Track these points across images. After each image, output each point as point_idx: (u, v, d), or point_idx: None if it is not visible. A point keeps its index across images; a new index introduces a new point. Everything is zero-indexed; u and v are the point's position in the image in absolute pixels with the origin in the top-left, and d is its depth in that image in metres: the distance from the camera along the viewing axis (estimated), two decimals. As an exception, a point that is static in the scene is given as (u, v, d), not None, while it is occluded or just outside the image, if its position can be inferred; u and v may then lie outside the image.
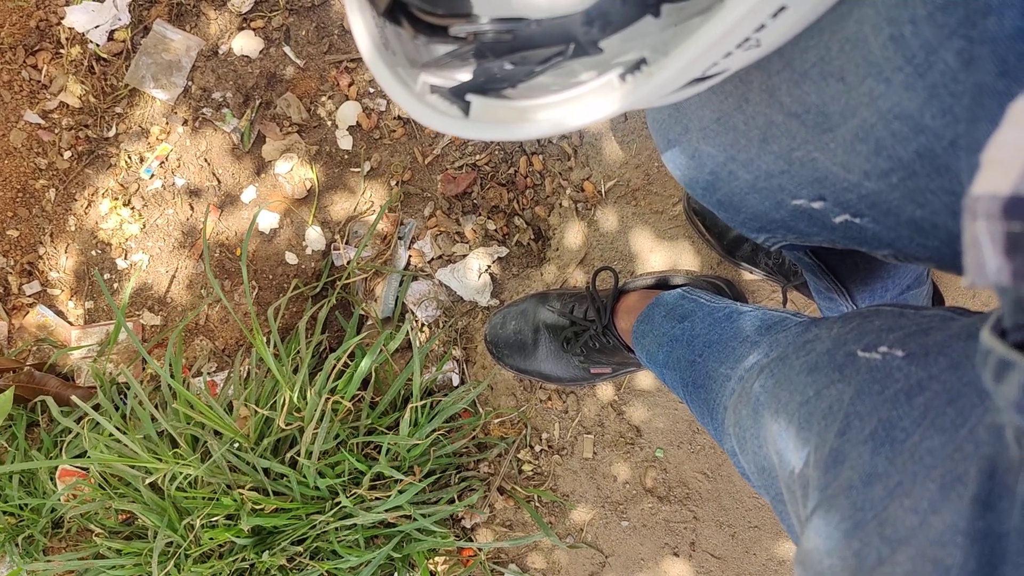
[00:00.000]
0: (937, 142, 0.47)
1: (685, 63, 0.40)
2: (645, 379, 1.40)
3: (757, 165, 0.62)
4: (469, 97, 0.45)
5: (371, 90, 1.58)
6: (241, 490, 1.31)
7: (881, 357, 0.59)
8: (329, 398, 1.35)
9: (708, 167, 0.67)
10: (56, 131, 1.63)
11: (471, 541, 1.45)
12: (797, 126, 0.56)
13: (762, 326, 0.91)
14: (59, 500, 1.48)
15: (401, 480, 1.34)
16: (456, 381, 1.50)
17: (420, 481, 1.36)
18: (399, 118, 1.56)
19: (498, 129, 0.45)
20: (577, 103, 0.43)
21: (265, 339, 1.49)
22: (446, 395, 1.45)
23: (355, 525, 1.38)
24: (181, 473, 1.37)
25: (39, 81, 1.64)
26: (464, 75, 0.48)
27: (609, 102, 0.42)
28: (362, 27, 0.48)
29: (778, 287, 1.36)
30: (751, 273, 1.35)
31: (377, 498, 1.35)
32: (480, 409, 1.46)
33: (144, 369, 1.59)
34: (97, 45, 1.62)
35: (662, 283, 1.34)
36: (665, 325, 1.10)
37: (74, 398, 1.40)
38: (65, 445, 1.48)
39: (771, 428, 0.68)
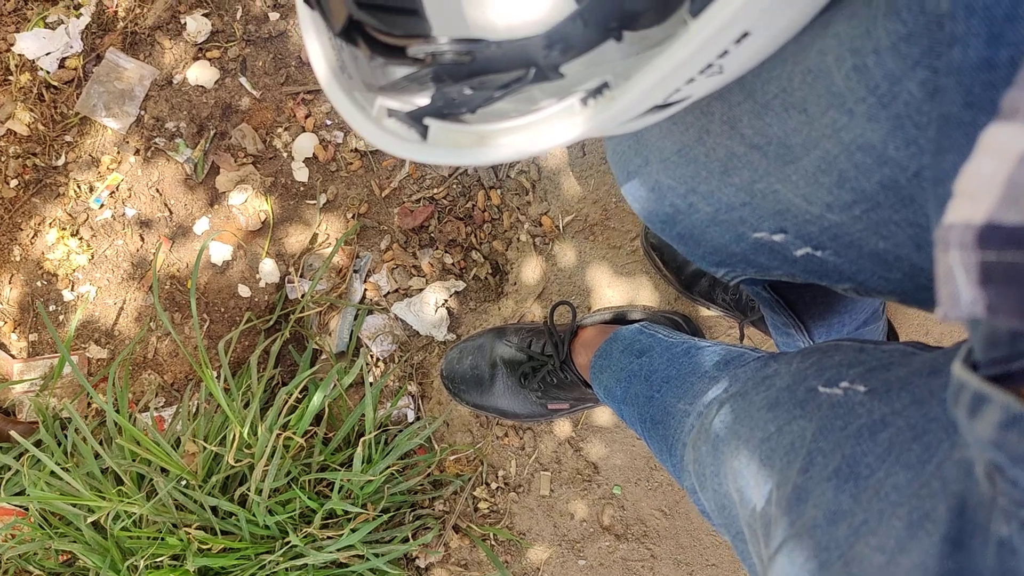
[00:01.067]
0: (901, 173, 0.47)
1: (647, 88, 0.39)
2: (603, 415, 1.39)
3: (718, 198, 0.61)
4: (427, 121, 0.44)
5: (328, 122, 1.56)
6: (188, 529, 1.27)
7: (843, 393, 0.58)
8: (281, 434, 1.32)
9: (668, 200, 0.67)
10: (2, 159, 1.59)
11: (425, 581, 1.42)
12: (759, 158, 0.56)
13: (721, 361, 0.90)
14: (-4, 540, 1.42)
15: (354, 518, 1.31)
16: (411, 417, 1.48)
17: (374, 519, 1.33)
18: (356, 150, 1.55)
19: (456, 154, 0.44)
20: (537, 128, 0.42)
21: (215, 373, 1.46)
22: (401, 431, 1.43)
23: (306, 565, 1.34)
24: (125, 512, 1.32)
25: (-14, 108, 1.60)
26: (422, 100, 0.47)
27: (570, 127, 0.42)
28: (318, 50, 0.47)
29: (735, 323, 1.36)
30: (708, 309, 1.35)
31: (329, 537, 1.32)
32: (436, 445, 1.44)
33: (89, 405, 1.54)
34: (48, 72, 1.59)
35: (620, 318, 1.33)
36: (623, 360, 1.09)
37: (14, 433, 1.35)
38: (3, 483, 1.42)
39: (731, 465, 0.67)
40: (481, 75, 0.45)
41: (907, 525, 0.43)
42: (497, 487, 1.41)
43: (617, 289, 1.40)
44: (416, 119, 0.44)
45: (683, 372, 0.94)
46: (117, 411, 1.35)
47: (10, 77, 1.60)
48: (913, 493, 0.45)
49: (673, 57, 0.37)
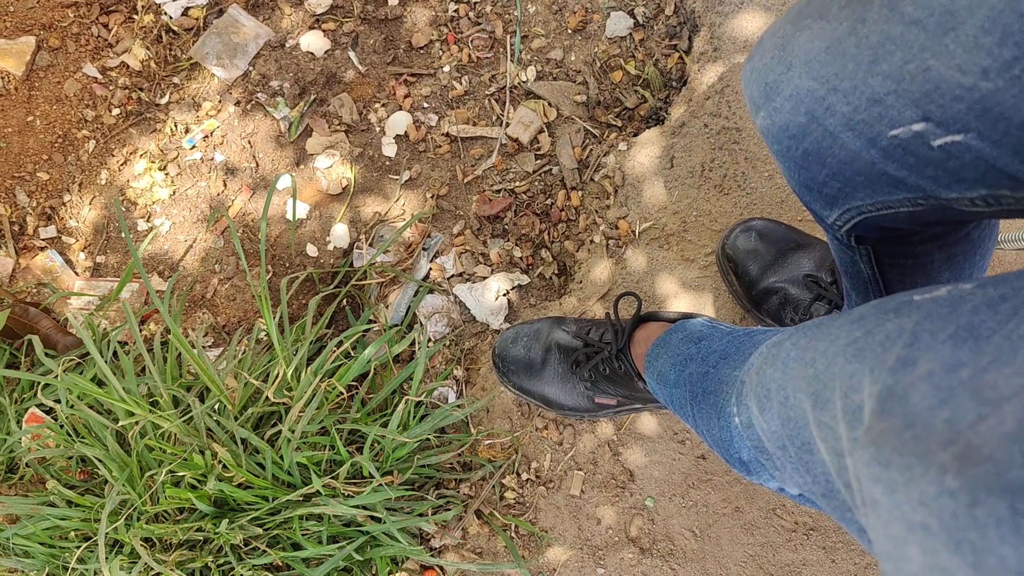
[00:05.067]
0: None
1: None
2: (648, 424, 1.35)
3: (861, 91, 0.61)
4: None
5: (425, 104, 1.60)
6: (215, 447, 1.25)
7: (946, 293, 0.54)
8: (323, 383, 1.31)
9: (805, 106, 0.67)
10: (111, 88, 1.64)
11: (436, 558, 1.37)
12: (917, 32, 0.56)
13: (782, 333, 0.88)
14: (19, 443, 1.41)
15: (378, 480, 1.28)
16: (452, 399, 1.46)
17: (398, 486, 1.30)
18: (447, 135, 1.57)
19: None
20: None
21: (273, 315, 1.46)
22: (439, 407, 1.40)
23: (322, 517, 1.30)
24: (154, 427, 1.31)
25: (106, 39, 1.67)
26: None
27: None
28: None
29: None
30: (773, 332, 1.33)
31: (350, 494, 1.29)
32: (472, 429, 1.41)
33: (140, 331, 1.55)
34: (170, 17, 1.66)
35: (684, 318, 1.31)
36: (681, 347, 1.07)
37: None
38: (40, 388, 1.42)
39: (805, 374, 0.64)
40: None
41: None
42: (527, 479, 1.37)
43: (684, 301, 1.38)
44: None
45: (742, 348, 0.91)
46: (168, 333, 1.36)
47: (135, 15, 1.67)
48: None
49: None
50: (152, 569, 1.26)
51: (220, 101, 1.63)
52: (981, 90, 0.53)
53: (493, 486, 1.37)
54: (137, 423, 1.30)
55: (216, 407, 1.34)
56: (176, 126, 1.63)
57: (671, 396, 1.04)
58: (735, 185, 1.40)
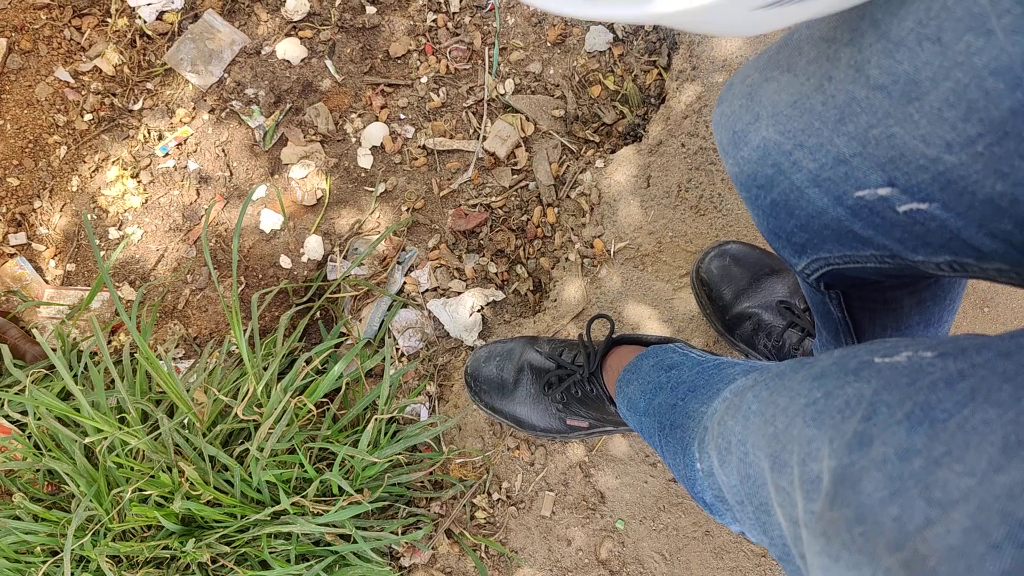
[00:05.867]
0: None
1: None
2: (619, 446, 1.35)
3: (827, 150, 0.61)
4: None
5: (401, 116, 1.59)
6: (183, 466, 1.24)
7: (906, 359, 0.53)
8: (293, 399, 1.30)
9: (772, 158, 0.66)
10: (83, 92, 1.62)
11: (406, 580, 1.37)
12: (881, 99, 0.55)
13: (751, 369, 0.87)
14: (-14, 455, 1.40)
15: (347, 497, 1.27)
16: (424, 415, 1.45)
17: (368, 504, 1.29)
18: (423, 147, 1.56)
19: (622, 6, 0.44)
20: None
21: (244, 329, 1.45)
22: (410, 426, 1.40)
23: (290, 536, 1.30)
24: (121, 443, 1.30)
25: (78, 43, 1.65)
26: None
27: None
28: None
29: (771, 375, 1.33)
30: (747, 355, 1.33)
31: (319, 512, 1.28)
32: (444, 448, 1.40)
33: (109, 342, 1.53)
34: (144, 21, 1.64)
35: (658, 342, 1.31)
36: (651, 374, 1.06)
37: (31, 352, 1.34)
38: (6, 401, 1.40)
39: (765, 432, 0.63)
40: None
41: (1002, 449, 0.39)
42: (498, 499, 1.37)
43: (657, 323, 1.38)
44: None
45: (711, 381, 0.91)
46: (136, 348, 1.34)
47: (108, 19, 1.65)
48: (1009, 421, 0.40)
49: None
50: (118, 587, 1.26)
51: (194, 108, 1.61)
52: (945, 163, 0.53)
53: (464, 505, 1.37)
54: (105, 439, 1.29)
55: (185, 422, 1.33)
56: (149, 133, 1.61)
57: (640, 424, 1.04)
58: (711, 206, 1.40)
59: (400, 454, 1.33)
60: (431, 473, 1.38)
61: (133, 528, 1.31)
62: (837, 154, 0.60)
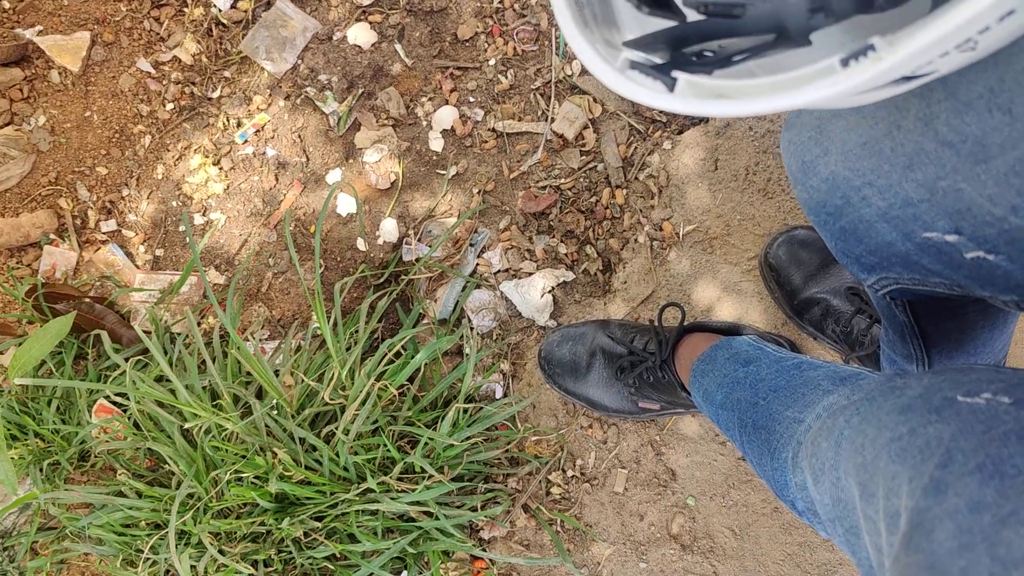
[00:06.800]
0: None
1: (913, 52, 0.40)
2: (690, 425, 1.39)
3: (896, 192, 0.62)
4: (675, 74, 0.46)
5: (471, 99, 1.61)
6: (276, 449, 1.32)
7: (985, 403, 0.56)
8: (376, 383, 1.36)
9: (841, 191, 0.68)
10: (164, 82, 1.68)
11: (486, 552, 1.44)
12: (949, 155, 0.56)
13: (835, 376, 0.90)
14: (91, 434, 1.49)
15: (429, 478, 1.34)
16: (499, 394, 1.51)
17: (448, 482, 1.36)
18: (493, 130, 1.59)
19: (708, 105, 0.46)
20: (787, 86, 0.44)
21: (326, 313, 1.51)
22: (486, 405, 1.46)
23: (376, 512, 1.37)
24: (217, 426, 1.38)
25: (158, 33, 1.70)
26: (658, 59, 0.50)
27: (825, 86, 0.42)
28: (563, 4, 0.50)
29: (840, 357, 1.35)
30: (815, 339, 1.35)
31: (403, 490, 1.35)
32: (519, 425, 1.46)
33: (199, 324, 1.61)
34: (220, 10, 1.68)
35: (728, 330, 1.34)
36: (728, 367, 1.09)
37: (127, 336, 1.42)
38: (108, 382, 1.50)
39: (855, 460, 0.66)
40: (726, 36, 0.47)
41: None
42: (572, 475, 1.42)
43: (725, 305, 1.41)
44: (664, 71, 0.46)
45: (793, 383, 0.94)
46: (227, 332, 1.41)
47: (185, 9, 1.70)
48: None
49: (942, 26, 0.38)
50: (218, 560, 1.35)
51: (270, 95, 1.66)
52: (1011, 223, 0.55)
53: (540, 481, 1.43)
54: (203, 423, 1.37)
55: (275, 404, 1.40)
56: (228, 120, 1.66)
57: (717, 415, 1.08)
58: (779, 189, 1.41)
59: (478, 435, 1.40)
60: (507, 451, 1.44)
61: (230, 506, 1.40)
62: (905, 197, 0.62)
